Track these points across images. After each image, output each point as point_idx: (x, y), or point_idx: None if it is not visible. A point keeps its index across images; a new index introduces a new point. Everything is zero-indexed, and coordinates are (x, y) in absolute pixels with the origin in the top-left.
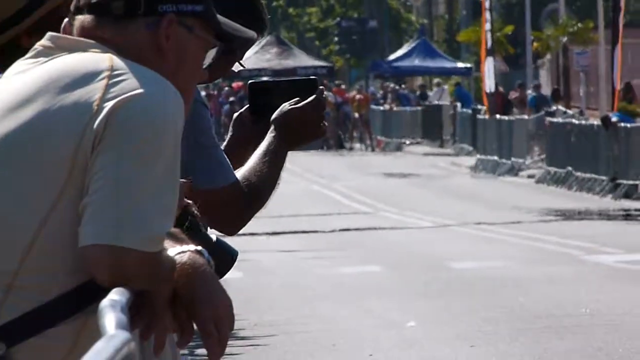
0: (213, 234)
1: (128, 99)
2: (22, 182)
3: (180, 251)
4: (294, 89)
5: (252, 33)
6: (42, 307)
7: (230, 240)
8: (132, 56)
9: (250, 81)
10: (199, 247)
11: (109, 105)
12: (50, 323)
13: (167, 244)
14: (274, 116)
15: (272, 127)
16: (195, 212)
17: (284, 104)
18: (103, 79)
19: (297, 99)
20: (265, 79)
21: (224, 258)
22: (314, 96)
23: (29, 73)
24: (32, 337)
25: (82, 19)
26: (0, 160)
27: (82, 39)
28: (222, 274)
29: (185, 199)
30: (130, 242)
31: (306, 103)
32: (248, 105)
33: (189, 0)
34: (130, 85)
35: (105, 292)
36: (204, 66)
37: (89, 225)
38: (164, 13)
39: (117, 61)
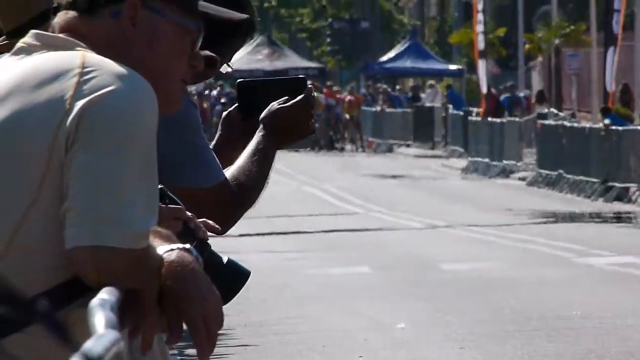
0: (224, 254)
1: (98, 98)
2: None
3: (168, 249)
4: (283, 88)
5: (237, 15)
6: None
7: (219, 240)
8: (104, 48)
9: (238, 80)
10: (187, 245)
11: (80, 104)
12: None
13: (155, 242)
14: (262, 115)
15: (260, 126)
16: (195, 226)
17: (272, 103)
18: (74, 76)
19: (286, 97)
20: (253, 78)
21: (237, 277)
22: (302, 95)
23: (7, 70)
24: (16, 333)
25: (60, 15)
26: None
27: (60, 35)
28: (234, 293)
29: (179, 216)
30: (114, 241)
31: (295, 102)
32: (237, 105)
33: None
34: (100, 82)
35: (88, 290)
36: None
37: (72, 228)
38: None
39: (89, 58)
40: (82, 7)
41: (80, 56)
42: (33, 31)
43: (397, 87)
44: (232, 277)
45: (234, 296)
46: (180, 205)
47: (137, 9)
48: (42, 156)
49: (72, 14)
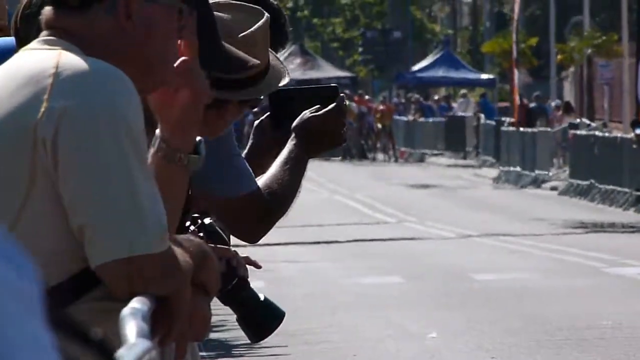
0: (261, 292)
1: (74, 101)
2: None
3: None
4: (315, 96)
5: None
6: None
7: (251, 249)
8: (99, 45)
9: None
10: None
11: (56, 105)
12: None
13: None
14: (294, 124)
15: (292, 135)
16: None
17: (304, 112)
18: (49, 76)
19: (318, 106)
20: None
21: (273, 315)
22: (334, 104)
23: None
24: None
25: (47, 11)
26: None
27: (44, 36)
28: (270, 332)
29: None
30: (139, 248)
31: (327, 110)
32: (269, 113)
33: None
34: (75, 83)
35: (94, 284)
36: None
37: (95, 246)
38: None
39: (65, 58)
40: (73, 4)
41: (56, 56)
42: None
43: (435, 97)
44: (268, 315)
45: (269, 334)
46: (226, 240)
47: (132, 2)
48: (26, 158)
49: (53, 10)
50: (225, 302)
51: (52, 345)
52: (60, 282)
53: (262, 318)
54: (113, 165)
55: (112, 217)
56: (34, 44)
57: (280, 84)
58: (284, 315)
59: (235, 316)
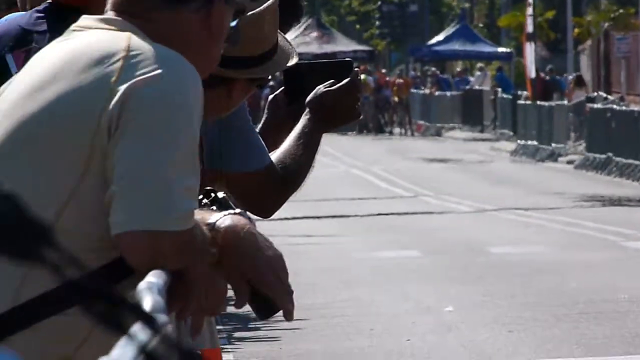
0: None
1: (142, 82)
2: (41, 166)
3: (222, 215)
4: (329, 71)
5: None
6: (61, 287)
7: (266, 224)
8: (177, 40)
9: None
10: (238, 209)
11: (124, 87)
12: (69, 303)
13: (204, 215)
14: (308, 98)
15: (306, 110)
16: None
17: (318, 87)
18: (119, 60)
19: (332, 81)
20: (300, 61)
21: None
22: (348, 78)
23: (53, 52)
24: (52, 316)
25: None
26: (20, 142)
27: (109, 16)
28: (278, 309)
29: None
30: (163, 224)
31: (341, 85)
32: (283, 88)
33: None
34: (146, 66)
35: (129, 272)
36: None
37: (119, 214)
38: None
39: (135, 41)
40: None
41: (126, 38)
42: (85, 15)
43: (458, 69)
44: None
45: (276, 312)
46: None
47: (221, 5)
48: (86, 141)
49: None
50: None
51: None
52: (102, 266)
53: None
54: (159, 146)
55: (138, 191)
56: (91, 22)
57: (288, 64)
58: (292, 293)
59: None
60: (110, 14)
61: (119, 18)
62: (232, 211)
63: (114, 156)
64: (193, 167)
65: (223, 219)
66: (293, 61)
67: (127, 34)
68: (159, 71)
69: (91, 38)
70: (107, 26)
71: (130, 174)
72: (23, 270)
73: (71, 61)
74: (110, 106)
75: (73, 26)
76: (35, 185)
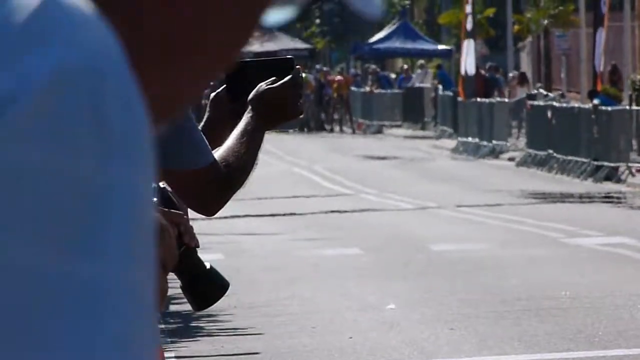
0: (207, 262)
1: None
2: None
3: None
4: (270, 68)
5: None
6: None
7: (209, 222)
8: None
9: None
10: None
11: None
12: None
13: None
14: (250, 96)
15: (249, 108)
16: (184, 230)
17: (260, 84)
18: None
19: (274, 78)
20: (241, 59)
21: (217, 286)
22: (290, 76)
23: None
24: None
25: None
26: None
27: None
28: (214, 301)
29: (175, 220)
30: None
31: (282, 82)
32: (225, 86)
33: None
34: None
35: None
36: None
37: None
38: None
39: None
40: None
41: None
42: None
43: (404, 66)
44: (212, 284)
45: (212, 304)
46: (178, 207)
47: None
48: None
49: None
50: (171, 270)
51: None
52: None
53: (206, 287)
54: None
55: None
56: None
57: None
58: (228, 286)
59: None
60: None
61: None
62: None
63: None
64: None
65: None
66: None
67: None
68: None
69: None
70: None
71: None
72: None
73: None
74: None
75: None
76: None
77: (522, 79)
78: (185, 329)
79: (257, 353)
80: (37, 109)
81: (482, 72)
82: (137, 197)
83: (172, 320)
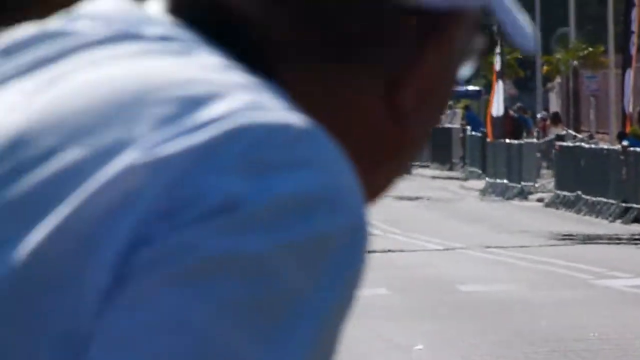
0: None
1: None
2: None
3: None
4: None
5: None
6: None
7: None
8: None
9: None
10: None
11: None
12: None
13: None
14: None
15: None
16: None
17: None
18: None
19: None
20: None
21: None
22: None
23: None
24: None
25: None
26: None
27: None
28: None
29: None
30: None
31: None
32: None
33: None
34: None
35: None
36: None
37: None
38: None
39: None
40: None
41: None
42: None
43: None
44: None
45: None
46: None
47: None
48: None
49: None
50: None
51: None
52: None
53: None
54: None
55: None
56: None
57: None
58: None
59: None
60: None
61: None
62: None
63: None
64: None
65: None
66: None
67: None
68: None
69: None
70: None
71: None
72: None
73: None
74: None
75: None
76: None
77: (556, 119)
78: None
79: None
80: (268, 213)
81: (511, 112)
82: (330, 315)
83: None
